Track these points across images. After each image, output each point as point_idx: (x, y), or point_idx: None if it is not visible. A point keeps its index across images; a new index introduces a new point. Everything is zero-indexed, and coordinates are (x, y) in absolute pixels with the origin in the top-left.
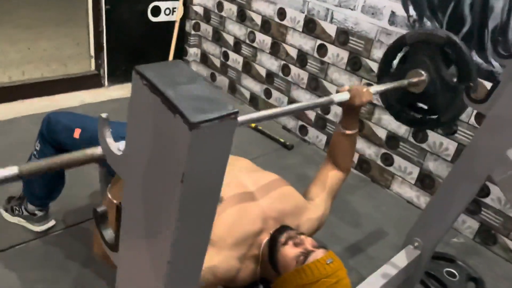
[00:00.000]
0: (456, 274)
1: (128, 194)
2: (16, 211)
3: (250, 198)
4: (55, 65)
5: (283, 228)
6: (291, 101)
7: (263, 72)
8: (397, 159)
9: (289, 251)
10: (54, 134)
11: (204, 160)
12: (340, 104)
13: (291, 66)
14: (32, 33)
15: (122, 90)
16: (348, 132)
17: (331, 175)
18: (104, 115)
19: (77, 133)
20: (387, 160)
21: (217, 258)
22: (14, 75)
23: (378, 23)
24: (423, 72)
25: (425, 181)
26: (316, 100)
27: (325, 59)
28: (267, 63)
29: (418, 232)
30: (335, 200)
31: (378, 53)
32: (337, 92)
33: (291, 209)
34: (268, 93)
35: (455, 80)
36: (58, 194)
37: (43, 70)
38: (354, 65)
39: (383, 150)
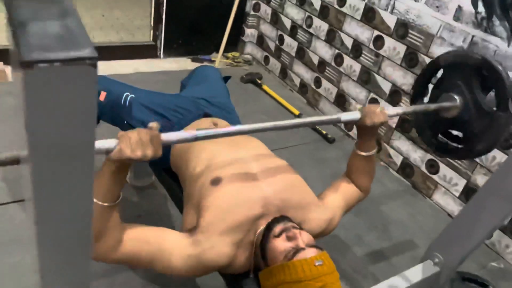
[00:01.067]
0: None
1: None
2: None
3: (252, 181)
4: (124, 34)
5: (281, 218)
6: (340, 93)
7: (315, 60)
8: (443, 168)
9: (280, 244)
10: None
11: (52, 112)
12: (354, 123)
13: (345, 56)
14: (109, 1)
15: (176, 64)
16: (362, 153)
17: (349, 189)
18: None
19: (102, 96)
20: (433, 167)
21: (205, 245)
22: None
23: (442, 18)
24: (456, 97)
25: (470, 195)
26: (322, 117)
27: (381, 51)
28: (321, 50)
29: (440, 247)
30: (348, 212)
31: (437, 50)
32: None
33: (297, 202)
34: (318, 82)
35: (494, 108)
36: None
37: (111, 37)
38: (411, 61)
39: (429, 156)
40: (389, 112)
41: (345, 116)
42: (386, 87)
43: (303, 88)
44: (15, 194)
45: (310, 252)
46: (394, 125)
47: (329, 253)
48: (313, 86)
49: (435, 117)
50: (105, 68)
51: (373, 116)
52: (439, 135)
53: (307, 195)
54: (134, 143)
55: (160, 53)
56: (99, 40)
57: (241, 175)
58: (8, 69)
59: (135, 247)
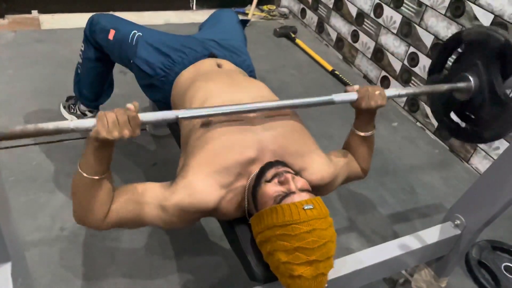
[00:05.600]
0: None
1: None
2: (72, 110)
3: (247, 124)
4: None
5: (275, 163)
6: (378, 47)
7: (353, 12)
8: None
9: (270, 188)
10: (94, 34)
11: None
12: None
13: (385, 7)
14: None
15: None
16: (360, 133)
17: (353, 161)
18: None
19: (111, 35)
20: None
21: (184, 191)
22: None
23: None
24: (471, 78)
25: None
26: (315, 98)
27: (424, 0)
28: (360, 1)
29: (462, 208)
30: (373, 173)
31: None
32: (346, 91)
33: (296, 149)
34: (355, 36)
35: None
36: (106, 99)
37: None
38: (456, 10)
39: None
40: (389, 93)
41: (339, 97)
42: (428, 40)
43: (339, 42)
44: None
45: (300, 196)
46: None
47: (348, 212)
48: (350, 41)
49: (449, 96)
50: (136, 19)
51: (370, 99)
52: (451, 115)
53: (308, 143)
54: (111, 124)
55: (192, 5)
56: None
57: (236, 118)
58: (41, 17)
59: (121, 212)
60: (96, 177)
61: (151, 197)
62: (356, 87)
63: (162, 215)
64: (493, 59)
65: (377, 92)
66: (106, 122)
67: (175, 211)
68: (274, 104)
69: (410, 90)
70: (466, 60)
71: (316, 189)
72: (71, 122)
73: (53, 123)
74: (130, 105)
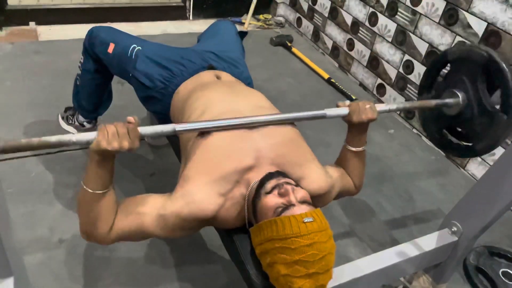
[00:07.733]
0: None
1: None
2: (70, 121)
3: (246, 132)
4: None
5: (275, 174)
6: (373, 55)
7: (349, 20)
8: None
9: (270, 200)
10: (93, 47)
11: None
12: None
13: (379, 15)
14: None
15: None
16: (352, 148)
17: (346, 176)
18: None
19: (111, 48)
20: None
21: (196, 193)
22: None
23: None
24: (458, 94)
25: None
26: (308, 113)
27: (418, 8)
28: (355, 9)
29: (459, 215)
30: (370, 179)
31: (480, 5)
32: (337, 106)
33: (294, 158)
34: (350, 44)
35: (497, 106)
36: (104, 110)
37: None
38: (450, 18)
39: None
40: (380, 108)
41: (331, 111)
42: (422, 48)
43: (335, 51)
44: None
45: (300, 209)
46: None
47: (346, 219)
48: (346, 49)
49: (438, 112)
50: (133, 29)
51: (361, 113)
52: (444, 130)
53: (306, 152)
54: (111, 136)
55: (189, 15)
56: (128, 0)
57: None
58: (39, 29)
59: (123, 226)
60: (99, 192)
61: (151, 207)
62: (347, 102)
63: (162, 225)
64: (479, 74)
65: (367, 106)
66: (107, 133)
67: (175, 220)
68: (268, 118)
69: (400, 105)
70: (453, 78)
71: (313, 200)
72: (73, 135)
73: (56, 137)
74: (130, 118)
